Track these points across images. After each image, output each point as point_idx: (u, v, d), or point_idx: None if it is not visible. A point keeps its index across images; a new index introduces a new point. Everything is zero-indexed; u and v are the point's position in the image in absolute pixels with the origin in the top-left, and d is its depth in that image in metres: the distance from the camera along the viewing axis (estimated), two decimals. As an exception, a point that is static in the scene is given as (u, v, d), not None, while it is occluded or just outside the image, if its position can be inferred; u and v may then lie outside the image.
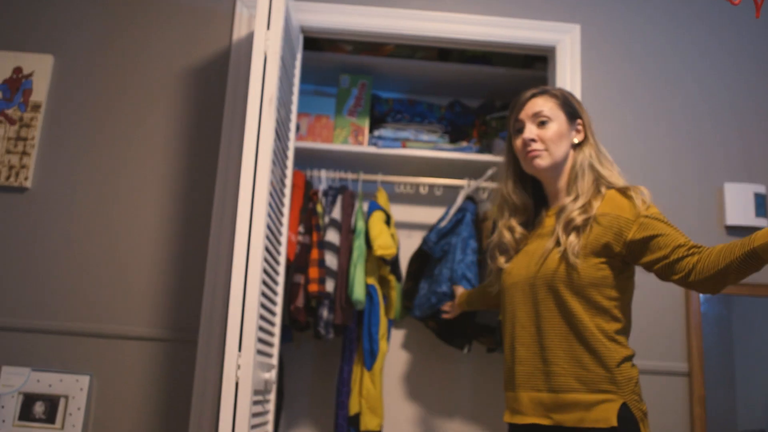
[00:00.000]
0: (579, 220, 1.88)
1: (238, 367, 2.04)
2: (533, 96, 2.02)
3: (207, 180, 2.71)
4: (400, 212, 3.43)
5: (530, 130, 1.98)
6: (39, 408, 2.50)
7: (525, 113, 2.01)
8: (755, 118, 2.91)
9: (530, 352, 1.91)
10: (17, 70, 2.76)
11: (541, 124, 1.98)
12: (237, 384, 2.03)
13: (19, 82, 2.75)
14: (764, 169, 2.86)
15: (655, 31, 2.96)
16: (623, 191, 1.91)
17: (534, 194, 2.12)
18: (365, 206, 3.19)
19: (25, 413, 2.49)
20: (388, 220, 3.13)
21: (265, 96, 2.21)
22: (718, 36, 2.98)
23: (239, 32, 2.81)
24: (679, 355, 2.68)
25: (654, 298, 2.71)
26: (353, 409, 3.02)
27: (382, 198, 3.23)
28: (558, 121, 1.99)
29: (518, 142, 2.02)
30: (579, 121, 2.03)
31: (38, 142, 2.72)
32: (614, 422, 1.77)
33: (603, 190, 1.94)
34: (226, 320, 2.52)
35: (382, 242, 3.00)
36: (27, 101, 2.73)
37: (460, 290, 2.76)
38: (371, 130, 3.33)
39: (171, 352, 2.59)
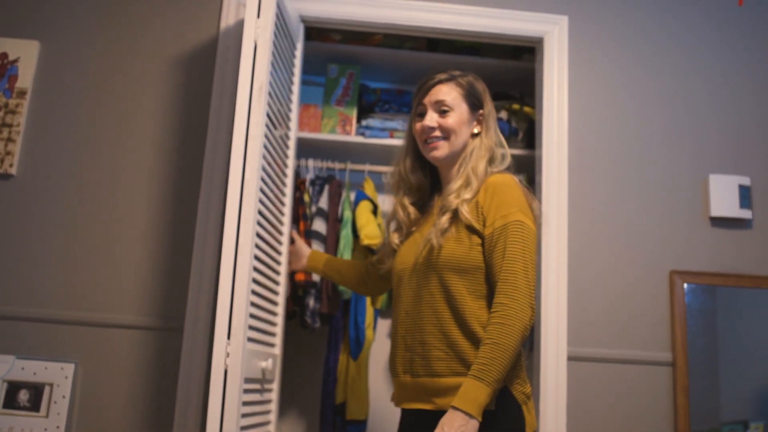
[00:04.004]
0: (453, 203, 1.91)
1: (227, 354, 2.04)
2: (439, 82, 2.03)
3: (194, 167, 2.70)
4: (388, 202, 3.42)
5: (431, 118, 2.01)
6: (23, 396, 2.48)
7: (429, 99, 2.03)
8: (740, 110, 2.93)
9: (412, 337, 1.92)
10: (2, 56, 2.73)
11: (443, 112, 2.00)
12: (226, 372, 2.03)
13: (4, 69, 2.72)
14: (749, 161, 2.88)
15: (642, 23, 2.98)
16: (508, 181, 1.93)
17: (431, 176, 2.17)
18: (352, 196, 3.19)
19: (10, 401, 2.48)
20: (375, 210, 3.14)
21: (255, 84, 2.20)
22: (703, 29, 3.00)
23: (227, 20, 2.80)
24: (663, 345, 2.70)
25: (638, 287, 2.74)
26: (339, 398, 3.03)
27: (369, 188, 3.24)
28: (459, 111, 2.01)
29: (418, 126, 2.05)
30: (480, 112, 2.05)
31: (24, 129, 2.69)
32: (492, 406, 1.77)
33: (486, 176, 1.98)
34: (213, 308, 2.54)
35: (369, 232, 3.00)
36: (12, 87, 2.70)
37: (306, 249, 2.64)
38: (359, 120, 3.33)
39: (157, 340, 2.58)
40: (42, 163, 2.69)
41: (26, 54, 2.74)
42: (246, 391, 2.12)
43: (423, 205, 2.14)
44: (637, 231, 2.79)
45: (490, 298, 1.86)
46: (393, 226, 2.16)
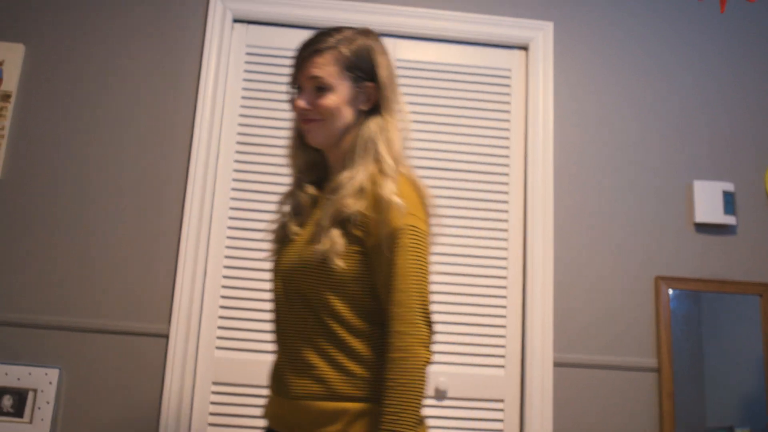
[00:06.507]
0: (350, 210, 1.57)
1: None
2: (315, 53, 1.66)
3: (179, 173, 2.69)
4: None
5: (306, 96, 1.67)
6: (7, 402, 2.47)
7: (303, 73, 1.67)
8: (725, 116, 2.94)
9: (287, 353, 1.64)
10: (-13, 59, 2.73)
11: (319, 89, 1.65)
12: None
13: (-12, 72, 2.71)
14: (733, 167, 2.89)
15: (627, 28, 2.99)
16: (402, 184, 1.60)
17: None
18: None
19: (-7, 407, 2.47)
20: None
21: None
22: (687, 34, 3.01)
23: (213, 22, 2.80)
24: (648, 350, 2.71)
25: (623, 293, 2.74)
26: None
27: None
28: (340, 89, 1.65)
29: (293, 106, 1.70)
30: (370, 84, 1.68)
31: (8, 132, 2.68)
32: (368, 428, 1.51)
33: (382, 174, 1.60)
34: (199, 314, 2.54)
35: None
36: (-3, 91, 2.70)
37: None
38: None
39: (142, 346, 2.57)
40: (27, 166, 2.68)
41: (11, 57, 2.73)
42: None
43: (321, 183, 1.77)
44: (622, 237, 2.79)
45: (370, 311, 1.59)
46: (291, 210, 1.76)
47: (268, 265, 2.36)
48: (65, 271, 2.61)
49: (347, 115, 1.66)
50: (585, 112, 2.90)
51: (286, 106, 2.78)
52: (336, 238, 1.56)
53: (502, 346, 2.69)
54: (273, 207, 2.66)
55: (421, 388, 1.46)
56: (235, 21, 2.85)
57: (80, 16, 2.82)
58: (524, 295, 2.71)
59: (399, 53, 2.90)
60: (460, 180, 2.81)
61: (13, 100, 2.70)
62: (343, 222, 1.57)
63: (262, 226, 2.66)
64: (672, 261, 2.78)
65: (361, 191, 1.58)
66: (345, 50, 1.66)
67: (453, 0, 2.94)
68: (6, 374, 2.49)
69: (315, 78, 1.64)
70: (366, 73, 1.67)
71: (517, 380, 2.67)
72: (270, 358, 2.57)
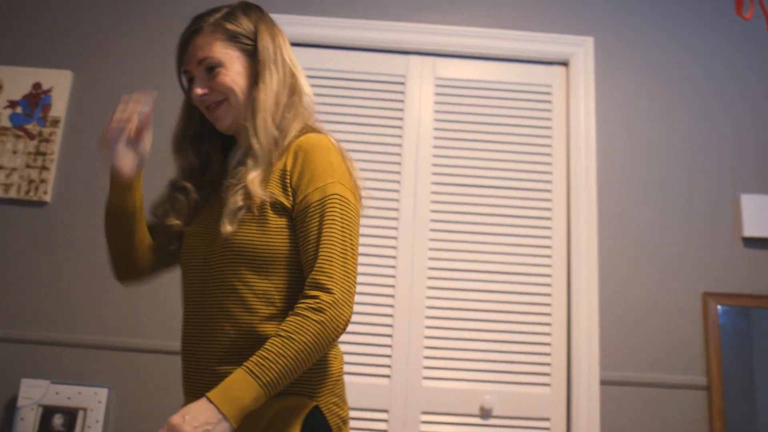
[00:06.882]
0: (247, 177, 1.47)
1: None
2: (193, 33, 1.55)
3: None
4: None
5: (200, 83, 1.55)
6: (58, 420, 2.51)
7: (190, 62, 1.56)
8: (772, 130, 2.91)
9: (202, 348, 1.46)
10: (36, 85, 2.79)
11: (211, 70, 1.53)
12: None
13: (38, 98, 2.77)
14: (782, 181, 2.85)
15: (669, 41, 2.97)
16: (323, 143, 1.48)
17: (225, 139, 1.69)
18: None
19: (45, 426, 2.50)
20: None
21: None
22: (732, 47, 2.98)
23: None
24: (697, 368, 2.66)
25: (670, 310, 2.70)
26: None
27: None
28: (230, 63, 1.54)
29: (192, 97, 1.59)
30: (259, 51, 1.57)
31: (57, 157, 2.74)
32: (296, 429, 1.37)
33: (287, 135, 1.52)
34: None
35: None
36: (46, 116, 2.76)
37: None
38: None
39: (188, 365, 2.60)
40: (75, 190, 2.73)
41: (59, 83, 2.79)
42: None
43: (212, 181, 1.65)
44: (668, 253, 2.76)
45: (289, 288, 1.45)
46: (173, 208, 1.68)
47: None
48: (113, 292, 2.65)
49: (247, 86, 1.55)
50: (627, 126, 2.87)
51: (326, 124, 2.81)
52: (234, 203, 1.44)
53: (548, 364, 2.67)
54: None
55: (306, 355, 1.31)
56: (277, 43, 2.89)
57: (125, 41, 2.88)
58: (569, 312, 2.69)
59: (440, 72, 2.91)
60: (504, 197, 2.81)
61: (61, 125, 2.76)
62: (241, 189, 1.46)
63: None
64: (720, 276, 2.74)
65: (257, 164, 1.47)
66: (224, 23, 1.55)
67: (492, 18, 2.95)
68: (57, 393, 2.53)
69: (202, 60, 1.54)
70: (253, 40, 1.57)
71: (563, 399, 2.65)
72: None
